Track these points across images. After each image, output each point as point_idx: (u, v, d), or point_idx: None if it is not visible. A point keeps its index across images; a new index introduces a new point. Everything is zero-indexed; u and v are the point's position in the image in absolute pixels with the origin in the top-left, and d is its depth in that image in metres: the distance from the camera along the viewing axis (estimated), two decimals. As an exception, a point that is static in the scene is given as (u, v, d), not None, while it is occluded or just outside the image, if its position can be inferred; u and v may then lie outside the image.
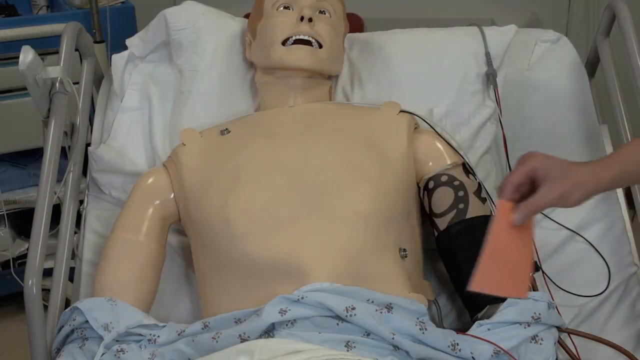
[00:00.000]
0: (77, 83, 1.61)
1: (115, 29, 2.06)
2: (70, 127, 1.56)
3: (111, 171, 1.58)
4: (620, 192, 1.57)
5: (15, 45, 1.81)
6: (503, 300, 1.25)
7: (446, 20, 1.74)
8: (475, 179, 1.42)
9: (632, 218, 1.60)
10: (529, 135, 1.67)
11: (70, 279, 1.46)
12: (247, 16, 1.66)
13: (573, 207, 1.10)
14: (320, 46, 1.48)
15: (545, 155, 1.12)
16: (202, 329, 1.21)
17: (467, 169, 1.42)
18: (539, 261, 1.43)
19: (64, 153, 1.52)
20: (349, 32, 1.65)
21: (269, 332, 1.16)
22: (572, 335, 1.31)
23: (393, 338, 1.14)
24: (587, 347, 1.32)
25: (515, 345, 1.19)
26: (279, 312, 1.15)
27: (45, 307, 1.32)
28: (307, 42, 1.47)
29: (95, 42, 2.00)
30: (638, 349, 1.35)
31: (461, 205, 1.36)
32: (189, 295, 1.46)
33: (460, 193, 1.37)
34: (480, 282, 1.09)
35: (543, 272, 1.43)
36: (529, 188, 1.11)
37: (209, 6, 1.70)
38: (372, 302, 1.19)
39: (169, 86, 1.66)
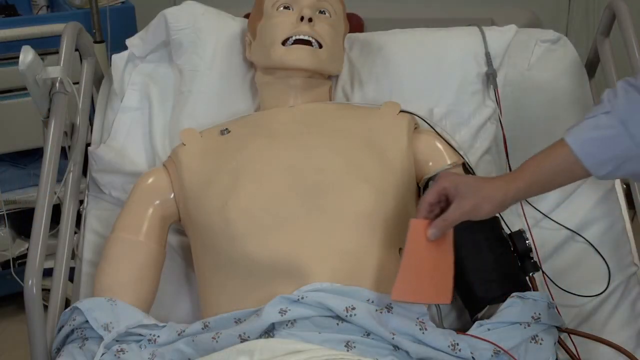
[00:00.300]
0: (77, 83, 1.61)
1: (115, 29, 2.06)
2: (70, 127, 1.56)
3: (111, 171, 1.58)
4: (620, 192, 1.57)
5: (15, 45, 1.81)
6: (503, 300, 1.26)
7: (446, 20, 1.74)
8: (475, 179, 1.42)
9: (632, 218, 1.60)
10: (529, 135, 1.67)
11: (70, 279, 1.46)
12: (247, 16, 1.66)
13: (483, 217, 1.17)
14: (320, 46, 1.48)
15: (456, 174, 1.21)
16: (202, 329, 1.21)
17: (467, 169, 1.42)
18: (539, 261, 1.43)
19: (64, 153, 1.52)
20: (349, 32, 1.65)
21: (269, 332, 1.16)
22: (572, 335, 1.31)
23: (393, 338, 1.14)
24: (587, 347, 1.32)
25: (516, 345, 1.19)
26: (279, 312, 1.15)
27: (45, 307, 1.32)
28: (307, 42, 1.47)
29: (95, 42, 2.00)
30: (638, 349, 1.35)
31: (461, 205, 1.36)
32: (189, 295, 1.46)
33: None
34: (399, 293, 1.17)
35: (543, 272, 1.43)
36: (445, 205, 1.19)
37: (209, 6, 1.70)
38: (372, 302, 1.19)
39: (169, 86, 1.66)
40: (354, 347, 1.13)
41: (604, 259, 1.49)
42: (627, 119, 1.10)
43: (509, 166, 1.57)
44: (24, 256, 2.10)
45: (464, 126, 1.55)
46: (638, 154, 1.09)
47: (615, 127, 1.11)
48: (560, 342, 1.28)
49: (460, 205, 1.15)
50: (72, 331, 1.27)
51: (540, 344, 1.21)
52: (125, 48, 1.70)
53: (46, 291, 1.35)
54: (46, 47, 1.86)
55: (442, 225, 1.17)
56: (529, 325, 1.22)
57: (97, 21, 2.06)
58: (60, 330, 1.29)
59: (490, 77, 1.59)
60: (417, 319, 1.19)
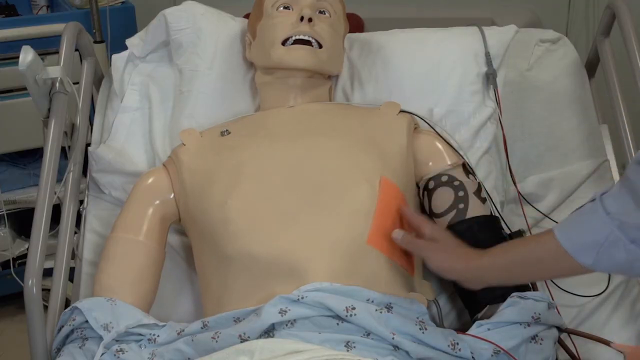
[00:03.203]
0: (77, 83, 1.61)
1: (115, 29, 2.06)
2: (70, 127, 1.56)
3: (111, 171, 1.58)
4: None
5: (15, 45, 1.80)
6: (503, 300, 1.26)
7: (446, 20, 1.73)
8: (475, 179, 1.42)
9: (632, 218, 1.60)
10: (529, 135, 1.67)
11: (70, 279, 1.46)
12: (247, 16, 1.66)
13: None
14: (320, 46, 1.48)
15: (448, 233, 1.28)
16: (201, 328, 1.21)
17: (467, 169, 1.42)
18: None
19: (64, 153, 1.52)
20: (349, 32, 1.65)
21: (268, 332, 1.16)
22: (572, 335, 1.31)
23: (393, 338, 1.14)
24: (587, 347, 1.32)
25: (516, 345, 1.19)
26: (279, 312, 1.15)
27: (45, 307, 1.32)
28: (307, 42, 1.47)
29: (95, 42, 2.00)
30: (638, 349, 1.35)
31: (461, 205, 1.36)
32: (190, 295, 1.46)
33: (460, 193, 1.37)
34: (373, 240, 1.26)
35: (543, 272, 1.43)
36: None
37: (209, 6, 1.70)
38: (372, 301, 1.19)
39: (169, 86, 1.66)
40: (354, 347, 1.13)
41: (604, 259, 1.49)
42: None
43: (509, 166, 1.57)
44: (24, 256, 2.10)
45: (464, 126, 1.55)
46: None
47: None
48: (560, 342, 1.28)
49: (434, 248, 1.22)
50: (72, 331, 1.27)
51: (540, 344, 1.21)
52: (125, 48, 1.70)
53: (46, 291, 1.35)
54: (46, 47, 1.86)
55: (409, 244, 1.25)
56: (529, 325, 1.22)
57: (97, 21, 2.06)
58: (60, 330, 1.29)
59: (490, 77, 1.58)
60: (417, 318, 1.19)
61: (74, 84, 1.51)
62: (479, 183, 1.41)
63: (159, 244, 1.39)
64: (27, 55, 1.37)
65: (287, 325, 1.15)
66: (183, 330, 1.23)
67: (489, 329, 1.21)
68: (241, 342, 1.14)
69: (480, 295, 1.31)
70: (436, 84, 1.58)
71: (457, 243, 1.23)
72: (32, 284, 1.24)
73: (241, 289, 1.25)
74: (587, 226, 1.04)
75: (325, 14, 1.53)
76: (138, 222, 1.39)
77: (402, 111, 1.48)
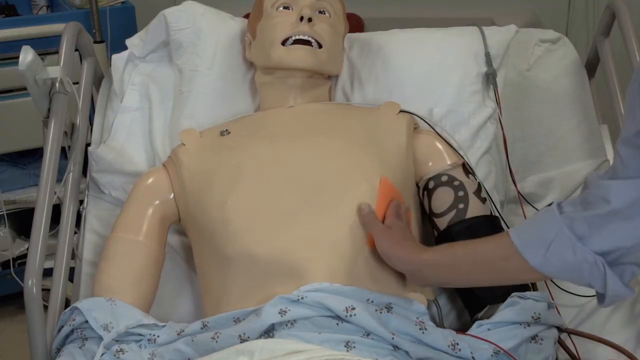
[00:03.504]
0: (77, 83, 1.61)
1: (115, 29, 2.06)
2: (70, 127, 1.56)
3: (111, 171, 1.58)
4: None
5: (15, 45, 1.80)
6: (503, 300, 1.26)
7: (446, 20, 1.73)
8: (475, 179, 1.42)
9: (632, 218, 1.60)
10: (529, 135, 1.67)
11: (70, 279, 1.46)
12: (247, 16, 1.66)
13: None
14: (320, 46, 1.48)
15: (406, 229, 1.27)
16: (201, 328, 1.21)
17: (467, 169, 1.42)
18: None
19: (64, 153, 1.52)
20: (349, 32, 1.65)
21: (268, 332, 1.16)
22: (572, 335, 1.31)
23: (393, 338, 1.14)
24: (587, 347, 1.32)
25: (515, 345, 1.19)
26: (279, 313, 1.15)
27: (45, 307, 1.32)
28: (307, 42, 1.47)
29: (95, 42, 2.00)
30: (638, 349, 1.35)
31: (461, 205, 1.36)
32: (190, 295, 1.46)
33: (460, 193, 1.37)
34: (372, 240, 1.25)
35: (543, 272, 1.43)
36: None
37: (209, 6, 1.69)
38: (372, 302, 1.19)
39: (169, 86, 1.66)
40: (354, 347, 1.13)
41: (604, 258, 1.49)
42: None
43: (509, 166, 1.57)
44: (24, 256, 2.09)
45: (464, 126, 1.55)
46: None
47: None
48: (560, 342, 1.28)
49: (386, 232, 1.23)
50: (72, 331, 1.27)
51: (540, 344, 1.21)
52: (125, 48, 1.70)
53: (46, 291, 1.35)
54: (46, 47, 1.86)
55: (368, 220, 1.25)
56: (529, 325, 1.22)
57: (97, 21, 2.06)
58: (60, 330, 1.29)
59: (490, 77, 1.58)
60: (417, 319, 1.19)
61: (74, 84, 1.51)
62: (479, 183, 1.41)
63: (158, 244, 1.39)
64: (27, 55, 1.37)
65: (287, 325, 1.15)
66: (183, 331, 1.23)
67: (488, 329, 1.21)
68: (241, 342, 1.14)
69: (480, 295, 1.31)
70: (436, 84, 1.57)
71: (407, 236, 1.24)
72: (32, 284, 1.24)
73: (241, 289, 1.25)
74: (539, 224, 1.03)
75: (325, 14, 1.53)
76: (138, 222, 1.39)
77: (402, 111, 1.48)
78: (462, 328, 1.29)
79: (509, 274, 1.10)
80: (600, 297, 1.03)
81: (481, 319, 1.27)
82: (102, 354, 1.21)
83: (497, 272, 1.12)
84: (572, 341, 1.31)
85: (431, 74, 1.58)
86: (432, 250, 1.20)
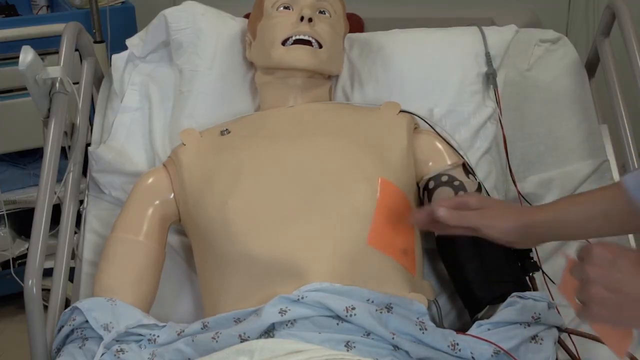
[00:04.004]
0: (77, 83, 1.61)
1: (115, 29, 2.06)
2: (70, 127, 1.56)
3: (111, 171, 1.58)
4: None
5: (15, 45, 1.80)
6: (503, 300, 1.26)
7: (446, 20, 1.74)
8: (475, 179, 1.42)
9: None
10: (529, 135, 1.67)
11: (70, 279, 1.46)
12: (247, 16, 1.66)
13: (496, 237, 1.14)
14: (320, 46, 1.48)
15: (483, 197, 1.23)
16: (201, 328, 1.21)
17: (467, 169, 1.42)
18: (539, 261, 1.42)
19: (64, 153, 1.52)
20: (349, 32, 1.65)
21: (269, 332, 1.16)
22: (572, 335, 1.31)
23: (393, 338, 1.14)
24: (587, 347, 1.32)
25: (515, 345, 1.19)
26: (279, 312, 1.15)
27: (45, 307, 1.32)
28: (307, 42, 1.47)
29: (95, 42, 2.00)
30: (638, 349, 1.35)
31: (461, 205, 1.36)
32: (190, 295, 1.46)
33: (461, 193, 1.37)
34: (374, 241, 1.25)
35: (543, 272, 1.43)
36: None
37: (209, 6, 1.70)
38: (372, 302, 1.19)
39: (169, 86, 1.66)
40: (354, 347, 1.13)
41: (604, 258, 1.49)
42: None
43: (509, 166, 1.57)
44: (24, 256, 2.10)
45: (464, 126, 1.55)
46: None
47: None
48: (560, 342, 1.28)
49: (483, 214, 1.13)
50: (72, 331, 1.27)
51: (540, 344, 1.21)
52: (125, 48, 1.70)
53: (46, 291, 1.35)
54: (46, 47, 1.86)
55: (460, 219, 1.15)
56: (529, 325, 1.22)
57: (97, 21, 2.06)
58: (60, 330, 1.29)
59: (490, 77, 1.59)
60: (417, 319, 1.19)
61: (74, 84, 1.51)
62: (479, 183, 1.41)
63: (159, 244, 1.39)
64: (27, 55, 1.37)
65: (287, 325, 1.15)
66: (183, 331, 1.23)
67: (488, 329, 1.21)
68: (241, 342, 1.14)
69: (480, 295, 1.31)
70: (436, 84, 1.58)
71: (507, 204, 1.21)
72: (32, 284, 1.24)
73: (241, 289, 1.25)
74: None
75: (325, 14, 1.53)
76: (138, 222, 1.39)
77: (402, 111, 1.48)
78: (462, 328, 1.29)
79: (623, 223, 1.07)
80: None
81: (481, 319, 1.27)
82: (102, 354, 1.21)
83: (609, 222, 1.08)
84: (572, 341, 1.31)
85: (431, 74, 1.58)
86: (537, 211, 1.14)
